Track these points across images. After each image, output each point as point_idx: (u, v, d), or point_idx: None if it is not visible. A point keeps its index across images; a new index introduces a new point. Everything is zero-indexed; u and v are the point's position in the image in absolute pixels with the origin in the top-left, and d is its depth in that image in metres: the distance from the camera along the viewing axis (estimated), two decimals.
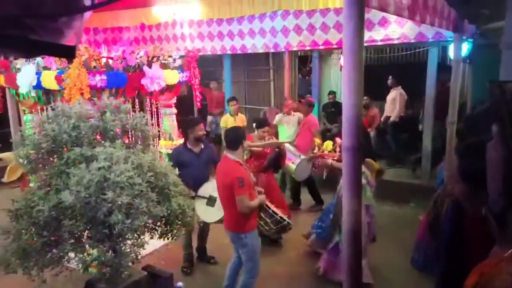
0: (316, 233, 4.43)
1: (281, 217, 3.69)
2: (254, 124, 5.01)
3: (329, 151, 4.90)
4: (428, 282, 3.58)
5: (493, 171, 0.89)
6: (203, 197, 3.90)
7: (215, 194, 3.73)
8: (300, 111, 6.33)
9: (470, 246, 1.19)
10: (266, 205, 3.61)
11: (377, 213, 4.19)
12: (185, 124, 4.32)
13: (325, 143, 5.41)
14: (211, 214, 3.86)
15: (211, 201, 3.87)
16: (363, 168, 3.91)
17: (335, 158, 4.33)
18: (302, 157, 5.17)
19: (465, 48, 5.39)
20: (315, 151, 5.13)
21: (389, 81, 7.38)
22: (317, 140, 5.45)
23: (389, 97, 7.38)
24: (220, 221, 3.75)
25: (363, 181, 3.84)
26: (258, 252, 3.39)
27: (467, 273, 1.12)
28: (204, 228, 4.34)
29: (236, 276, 3.56)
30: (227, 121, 6.67)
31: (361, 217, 1.77)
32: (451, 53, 5.24)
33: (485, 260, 1.11)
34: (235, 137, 3.40)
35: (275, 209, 3.74)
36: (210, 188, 3.90)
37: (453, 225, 1.90)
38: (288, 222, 3.79)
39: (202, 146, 4.16)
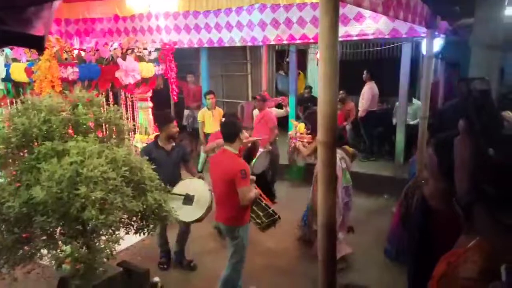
0: (304, 221, 4.53)
1: (273, 211, 3.73)
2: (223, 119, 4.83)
3: (301, 133, 5.17)
4: (400, 272, 3.68)
5: (459, 165, 0.92)
6: (179, 195, 3.77)
7: (192, 192, 3.71)
8: (256, 106, 6.26)
9: (440, 236, 1.23)
10: (259, 198, 3.63)
11: (351, 204, 4.29)
12: (158, 120, 4.21)
13: (299, 125, 5.57)
14: (189, 213, 3.74)
15: (187, 199, 3.76)
16: (343, 154, 4.07)
17: (305, 140, 4.46)
18: (261, 150, 5.23)
19: (438, 44, 5.54)
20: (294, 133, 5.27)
21: (364, 76, 7.50)
22: (294, 122, 5.63)
23: (363, 92, 7.50)
24: (199, 219, 3.72)
25: (343, 165, 4.03)
26: (247, 246, 3.42)
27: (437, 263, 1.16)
28: (185, 230, 4.19)
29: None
30: (204, 115, 6.63)
31: (336, 211, 1.80)
32: (423, 48, 5.36)
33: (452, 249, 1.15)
34: (232, 130, 3.39)
35: (267, 202, 3.78)
36: (185, 186, 3.82)
37: (423, 216, 1.96)
38: (278, 216, 3.80)
39: (173, 144, 4.04)
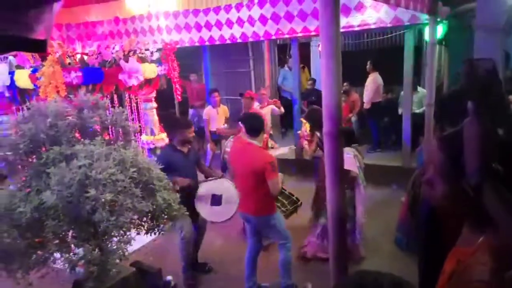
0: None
1: (296, 198, 3.95)
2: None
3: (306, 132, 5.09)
4: (412, 261, 3.66)
5: (470, 146, 0.92)
6: (207, 197, 3.76)
7: (218, 192, 3.74)
8: (243, 104, 6.16)
9: (448, 225, 1.23)
10: (282, 188, 3.81)
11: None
12: (173, 124, 4.13)
13: (306, 124, 5.53)
14: (220, 213, 3.75)
15: (215, 200, 3.76)
16: (355, 152, 4.07)
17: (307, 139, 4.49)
18: None
19: (440, 30, 5.48)
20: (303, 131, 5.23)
21: (367, 67, 7.44)
22: (303, 121, 5.58)
23: (367, 83, 7.44)
24: (229, 219, 3.78)
25: (357, 163, 4.02)
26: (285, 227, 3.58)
27: (446, 252, 1.15)
28: (200, 233, 4.09)
29: (255, 263, 3.64)
30: (210, 113, 6.64)
31: (344, 202, 1.80)
32: (426, 35, 5.31)
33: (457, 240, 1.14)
34: (256, 124, 3.47)
35: (289, 190, 4.00)
36: (209, 187, 3.81)
37: (432, 206, 1.95)
38: (300, 202, 4.02)
39: (189, 147, 4.02)
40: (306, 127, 5.20)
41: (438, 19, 4.53)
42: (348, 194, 4.03)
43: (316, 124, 4.27)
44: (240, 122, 3.64)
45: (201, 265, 4.15)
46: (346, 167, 3.94)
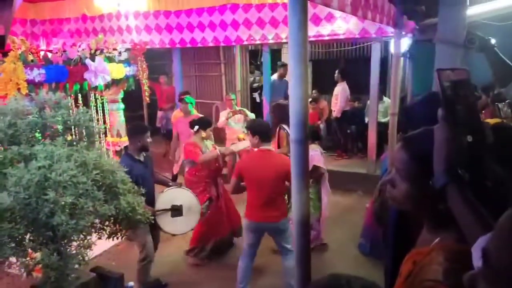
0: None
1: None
2: (196, 127, 4.28)
3: (243, 139, 5.32)
4: (375, 266, 3.78)
5: (438, 151, 0.97)
6: (166, 210, 3.62)
7: (176, 201, 3.65)
8: (182, 110, 5.91)
9: (416, 232, 1.27)
10: None
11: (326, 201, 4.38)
12: (132, 130, 3.78)
13: (241, 134, 5.75)
14: (182, 223, 3.66)
15: (176, 210, 3.63)
16: (321, 149, 4.32)
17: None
18: None
19: (405, 43, 5.69)
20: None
21: (336, 76, 7.60)
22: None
23: (334, 92, 7.59)
24: (192, 229, 3.79)
25: (324, 168, 4.26)
26: None
27: None
28: (154, 246, 3.81)
29: (250, 273, 3.62)
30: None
31: (309, 208, 1.83)
32: (392, 48, 5.50)
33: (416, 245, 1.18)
34: (268, 129, 3.52)
35: None
36: (165, 198, 3.66)
37: (399, 211, 2.00)
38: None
39: (144, 154, 3.74)
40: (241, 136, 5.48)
41: (403, 33, 4.71)
42: (316, 188, 4.31)
43: (283, 118, 4.38)
44: (249, 130, 3.55)
45: (155, 281, 3.88)
46: (314, 163, 4.09)
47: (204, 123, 4.33)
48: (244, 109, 6.59)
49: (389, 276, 2.15)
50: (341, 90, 7.43)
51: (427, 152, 0.99)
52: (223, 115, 6.34)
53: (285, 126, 4.38)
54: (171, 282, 3.99)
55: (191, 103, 5.69)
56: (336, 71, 7.59)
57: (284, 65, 7.85)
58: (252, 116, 6.50)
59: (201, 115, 5.18)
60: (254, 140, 3.49)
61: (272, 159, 3.42)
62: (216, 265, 4.31)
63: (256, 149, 3.52)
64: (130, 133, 3.78)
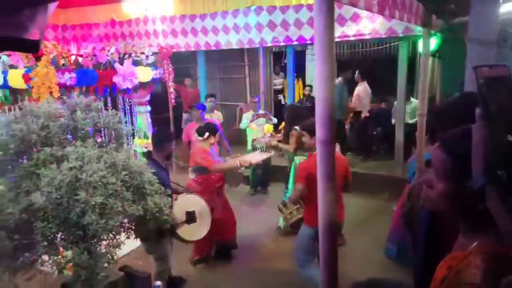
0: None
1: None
2: (206, 133, 4.17)
3: (271, 133, 5.55)
4: (401, 272, 3.69)
5: (476, 150, 0.93)
6: (187, 221, 3.54)
7: (189, 208, 3.58)
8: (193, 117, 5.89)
9: (447, 237, 1.23)
10: None
11: (351, 205, 4.31)
12: (160, 137, 3.73)
13: (266, 126, 5.74)
14: (197, 229, 3.63)
15: (191, 218, 3.57)
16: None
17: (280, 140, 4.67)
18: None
19: (434, 42, 5.55)
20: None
21: (356, 76, 7.49)
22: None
23: (355, 92, 7.48)
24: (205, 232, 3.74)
25: None
26: None
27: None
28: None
29: None
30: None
31: (335, 210, 1.80)
32: (420, 47, 5.38)
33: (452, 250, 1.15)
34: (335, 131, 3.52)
35: None
36: (180, 205, 3.57)
37: (430, 216, 1.95)
38: None
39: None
40: (267, 130, 5.54)
41: (432, 32, 4.59)
42: None
43: (295, 119, 4.53)
44: (306, 131, 3.46)
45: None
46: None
47: (213, 129, 4.23)
48: (268, 113, 6.60)
49: (418, 282, 2.10)
50: (362, 90, 7.33)
51: (466, 151, 0.96)
52: (246, 117, 6.36)
53: (296, 127, 4.38)
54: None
55: (203, 110, 5.62)
56: (356, 72, 7.49)
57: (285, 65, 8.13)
58: (275, 120, 6.50)
59: (209, 121, 5.25)
60: (312, 141, 3.34)
61: (338, 160, 3.39)
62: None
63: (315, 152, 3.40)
64: (159, 140, 3.67)
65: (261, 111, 6.44)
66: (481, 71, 0.94)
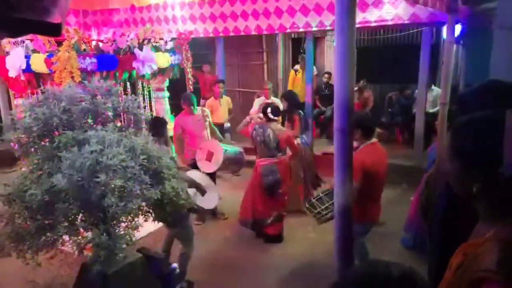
0: None
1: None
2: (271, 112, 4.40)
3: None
4: (418, 261, 3.66)
5: (509, 138, 0.91)
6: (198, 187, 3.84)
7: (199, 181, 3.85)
8: None
9: (464, 226, 1.22)
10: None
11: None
12: (155, 124, 3.73)
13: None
14: (210, 199, 3.93)
15: (201, 190, 3.84)
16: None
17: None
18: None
19: (459, 29, 5.38)
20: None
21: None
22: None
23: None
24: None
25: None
26: None
27: None
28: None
29: None
30: (212, 104, 6.62)
31: (351, 201, 1.79)
32: (444, 34, 5.22)
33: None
34: (374, 123, 3.45)
35: None
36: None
37: (447, 205, 1.93)
38: None
39: None
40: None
41: (457, 18, 4.44)
42: None
43: (295, 104, 4.88)
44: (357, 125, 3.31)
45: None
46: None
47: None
48: (276, 100, 6.47)
49: (434, 270, 2.08)
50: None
51: (499, 137, 0.94)
52: (256, 104, 6.33)
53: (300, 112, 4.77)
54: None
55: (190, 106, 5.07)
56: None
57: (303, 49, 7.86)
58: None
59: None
60: (357, 135, 3.16)
61: (383, 152, 3.35)
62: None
63: (365, 145, 3.26)
64: (154, 127, 3.58)
65: (272, 99, 6.36)
66: None
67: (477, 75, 4.49)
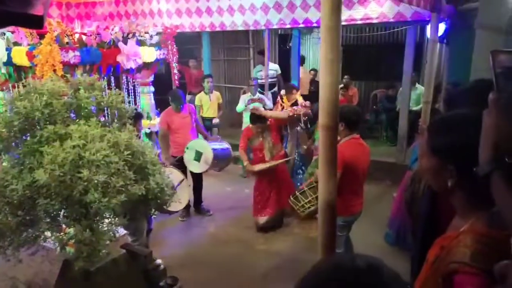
0: None
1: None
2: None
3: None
4: (400, 257, 3.73)
5: (485, 136, 0.93)
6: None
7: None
8: None
9: (447, 222, 1.25)
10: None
11: None
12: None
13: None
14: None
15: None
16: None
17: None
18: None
19: (442, 28, 5.46)
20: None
21: None
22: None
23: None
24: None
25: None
26: None
27: None
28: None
29: None
30: (202, 99, 6.60)
31: (335, 196, 1.81)
32: (428, 33, 5.30)
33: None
34: (360, 117, 3.41)
35: None
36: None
37: (430, 201, 1.97)
38: None
39: None
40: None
41: (441, 17, 4.52)
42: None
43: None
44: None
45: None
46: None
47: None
48: (263, 97, 6.49)
49: (416, 265, 2.12)
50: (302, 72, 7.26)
51: (473, 136, 0.96)
52: (243, 100, 6.32)
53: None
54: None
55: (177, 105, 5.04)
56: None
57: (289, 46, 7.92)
58: (270, 104, 6.45)
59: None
60: (340, 127, 3.14)
61: (364, 147, 3.37)
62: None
63: (347, 138, 3.27)
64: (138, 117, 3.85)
65: (257, 95, 6.36)
66: (499, 59, 0.92)
67: (460, 74, 4.58)
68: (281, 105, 5.66)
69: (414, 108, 6.72)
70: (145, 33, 4.76)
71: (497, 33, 3.29)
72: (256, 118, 4.55)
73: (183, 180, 4.03)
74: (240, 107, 6.30)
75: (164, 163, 4.31)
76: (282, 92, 6.17)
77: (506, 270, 0.72)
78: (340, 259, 0.84)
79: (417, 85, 6.99)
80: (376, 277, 0.72)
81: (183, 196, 3.93)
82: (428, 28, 4.97)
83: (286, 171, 4.97)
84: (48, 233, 2.42)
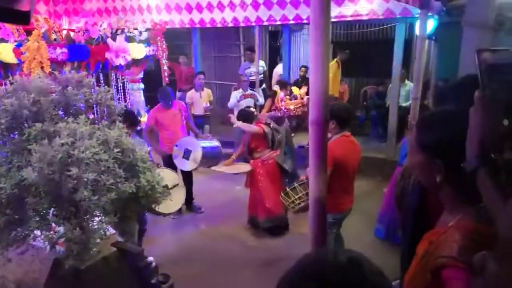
0: None
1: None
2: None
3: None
4: (390, 251, 3.77)
5: (472, 133, 0.94)
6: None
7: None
8: None
9: (436, 217, 1.27)
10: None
11: None
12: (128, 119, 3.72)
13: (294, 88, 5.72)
14: (173, 202, 3.81)
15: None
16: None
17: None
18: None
19: (431, 25, 5.51)
20: None
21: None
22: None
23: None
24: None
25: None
26: None
27: None
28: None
29: None
30: (193, 96, 6.57)
31: (326, 190, 1.82)
32: (417, 30, 5.34)
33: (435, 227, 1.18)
34: (350, 115, 3.39)
35: None
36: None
37: (419, 197, 1.99)
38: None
39: None
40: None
41: (430, 14, 4.55)
42: None
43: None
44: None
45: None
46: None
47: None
48: (255, 92, 6.52)
49: (405, 260, 2.15)
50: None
51: (460, 132, 0.97)
52: (234, 96, 6.32)
53: None
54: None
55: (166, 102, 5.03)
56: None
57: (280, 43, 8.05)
58: (262, 101, 6.46)
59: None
60: (331, 125, 3.15)
61: (355, 145, 3.36)
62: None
63: (338, 136, 3.26)
64: (128, 121, 3.60)
65: (249, 91, 6.38)
66: (483, 54, 0.93)
67: (448, 71, 4.62)
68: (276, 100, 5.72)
69: (404, 104, 6.78)
70: (134, 29, 4.72)
71: (484, 30, 3.33)
72: (243, 119, 4.61)
73: (177, 184, 3.92)
74: (232, 102, 6.30)
75: (158, 164, 4.25)
76: (276, 87, 6.20)
77: (484, 261, 0.74)
78: (323, 254, 0.85)
79: (406, 81, 7.05)
80: (358, 272, 0.73)
81: (178, 199, 3.85)
82: (417, 24, 5.01)
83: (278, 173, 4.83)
84: (37, 232, 2.39)
